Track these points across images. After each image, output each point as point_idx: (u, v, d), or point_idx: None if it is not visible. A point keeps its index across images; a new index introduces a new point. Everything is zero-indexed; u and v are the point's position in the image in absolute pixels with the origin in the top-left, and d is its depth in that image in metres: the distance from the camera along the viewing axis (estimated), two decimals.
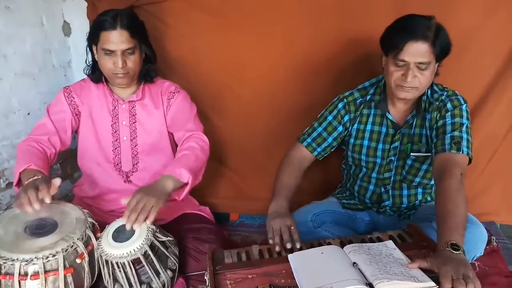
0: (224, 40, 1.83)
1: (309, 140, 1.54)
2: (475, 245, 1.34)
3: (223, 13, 1.79)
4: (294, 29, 1.77)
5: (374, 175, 1.54)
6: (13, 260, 1.13)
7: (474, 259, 1.40)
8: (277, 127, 1.94)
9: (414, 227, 1.31)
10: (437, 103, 1.41)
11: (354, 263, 1.10)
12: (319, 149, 1.54)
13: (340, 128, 1.52)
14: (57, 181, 1.27)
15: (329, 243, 1.26)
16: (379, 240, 1.28)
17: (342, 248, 1.20)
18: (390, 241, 1.23)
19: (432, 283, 1.00)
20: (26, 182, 1.28)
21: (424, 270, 1.05)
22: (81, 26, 1.97)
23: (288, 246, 1.21)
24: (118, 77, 1.49)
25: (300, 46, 1.79)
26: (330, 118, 1.53)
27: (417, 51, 1.27)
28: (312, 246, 1.24)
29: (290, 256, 1.18)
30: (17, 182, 1.36)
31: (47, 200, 1.23)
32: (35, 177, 1.28)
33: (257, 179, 2.02)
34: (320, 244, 1.25)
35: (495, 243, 1.62)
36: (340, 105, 1.52)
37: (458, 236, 1.09)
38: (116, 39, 1.43)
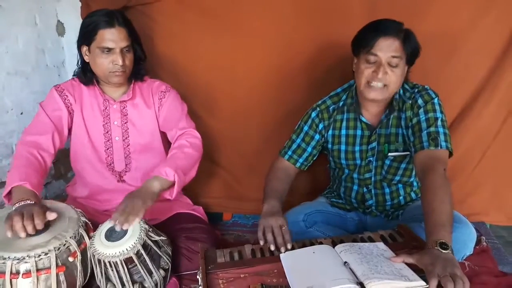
0: (216, 40, 1.84)
1: (289, 153, 1.57)
2: (464, 244, 1.35)
3: (215, 13, 1.80)
4: (286, 28, 1.78)
5: (355, 175, 1.56)
6: (4, 259, 1.12)
7: (464, 258, 1.42)
8: (269, 126, 1.95)
9: (405, 227, 1.33)
10: (410, 101, 1.42)
11: (345, 262, 1.11)
12: (301, 160, 1.57)
13: (317, 136, 1.55)
14: (52, 216, 1.23)
15: (321, 243, 1.27)
16: (370, 239, 1.29)
17: (334, 247, 1.21)
18: (381, 242, 1.24)
19: (423, 283, 1.00)
20: (17, 205, 1.23)
21: (415, 269, 1.06)
22: (75, 26, 1.95)
23: (282, 250, 1.21)
24: (116, 75, 1.48)
25: (293, 45, 1.80)
26: (306, 128, 1.56)
27: (388, 46, 1.31)
28: (304, 246, 1.25)
29: (282, 255, 1.19)
30: (6, 193, 1.32)
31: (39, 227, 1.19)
32: (27, 202, 1.24)
33: (250, 178, 2.02)
34: (312, 244, 1.26)
35: (484, 243, 1.64)
36: (313, 114, 1.55)
37: (446, 234, 1.10)
38: (115, 36, 1.44)
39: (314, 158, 1.60)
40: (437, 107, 1.38)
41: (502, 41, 1.67)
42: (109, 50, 1.44)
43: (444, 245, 1.07)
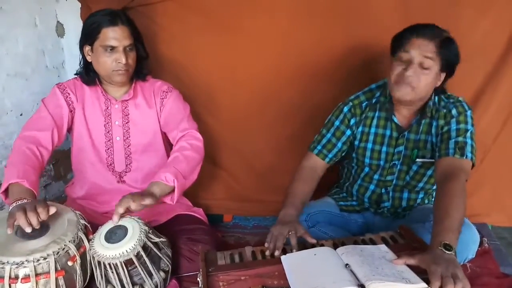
0: (217, 41, 1.84)
1: (319, 147, 1.55)
2: (467, 246, 1.35)
3: (216, 14, 1.80)
4: (286, 30, 1.78)
5: (376, 176, 1.55)
6: (3, 263, 1.11)
7: (466, 261, 1.41)
8: (270, 128, 1.95)
9: (406, 229, 1.32)
10: (444, 110, 1.42)
11: (347, 264, 1.11)
12: (330, 155, 1.54)
13: (348, 132, 1.52)
14: (52, 210, 1.22)
15: (322, 245, 1.26)
16: (372, 241, 1.29)
17: (335, 249, 1.20)
18: (383, 244, 1.23)
19: (424, 285, 1.00)
20: (14, 203, 1.22)
21: (416, 272, 1.05)
22: (75, 27, 1.96)
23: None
24: (119, 74, 1.48)
25: (292, 47, 1.80)
26: (337, 123, 1.53)
27: (421, 45, 1.30)
28: (305, 247, 1.24)
29: (283, 257, 1.19)
30: (4, 190, 1.31)
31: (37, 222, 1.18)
32: (25, 201, 1.22)
33: (251, 180, 2.02)
34: (313, 246, 1.26)
35: (486, 245, 1.64)
36: (345, 109, 1.52)
37: (452, 237, 1.10)
38: (119, 35, 1.43)
39: (343, 154, 1.57)
40: (469, 120, 1.39)
41: (500, 44, 1.67)
42: (112, 48, 1.44)
43: (448, 246, 1.07)
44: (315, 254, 1.19)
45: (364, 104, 1.51)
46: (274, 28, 1.78)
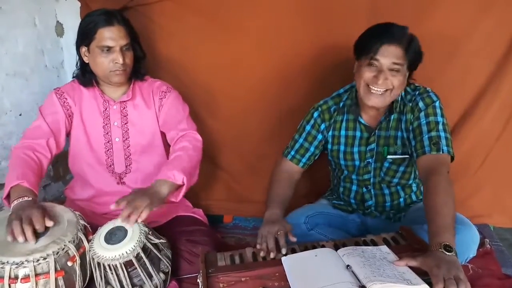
0: (215, 41, 1.84)
1: (292, 153, 1.57)
2: (467, 246, 1.34)
3: (214, 14, 1.80)
4: (286, 29, 1.78)
5: (354, 176, 1.56)
6: (3, 263, 1.11)
7: (467, 260, 1.41)
8: (270, 127, 1.94)
9: (407, 230, 1.32)
10: (411, 104, 1.41)
11: (348, 265, 1.10)
12: (303, 160, 1.56)
13: (320, 136, 1.55)
14: (50, 223, 1.22)
15: (323, 246, 1.26)
16: (373, 242, 1.28)
17: (336, 250, 1.20)
18: (385, 246, 1.23)
19: (426, 286, 1.00)
20: (15, 202, 1.23)
21: (418, 273, 1.05)
22: (74, 27, 1.92)
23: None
24: (116, 74, 1.47)
25: (292, 47, 1.80)
26: (308, 128, 1.56)
27: (391, 52, 1.29)
28: (306, 249, 1.24)
29: (283, 258, 1.18)
30: (6, 195, 1.31)
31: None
32: (25, 199, 1.24)
33: (251, 180, 2.02)
34: (314, 247, 1.25)
35: (488, 246, 1.63)
36: (315, 114, 1.54)
37: (450, 236, 1.10)
38: (115, 35, 1.43)
39: (316, 158, 1.59)
40: (438, 111, 1.37)
41: (503, 44, 1.66)
42: (109, 48, 1.44)
43: (448, 248, 1.06)
44: (316, 255, 1.18)
45: (333, 108, 1.53)
46: (274, 27, 1.78)
